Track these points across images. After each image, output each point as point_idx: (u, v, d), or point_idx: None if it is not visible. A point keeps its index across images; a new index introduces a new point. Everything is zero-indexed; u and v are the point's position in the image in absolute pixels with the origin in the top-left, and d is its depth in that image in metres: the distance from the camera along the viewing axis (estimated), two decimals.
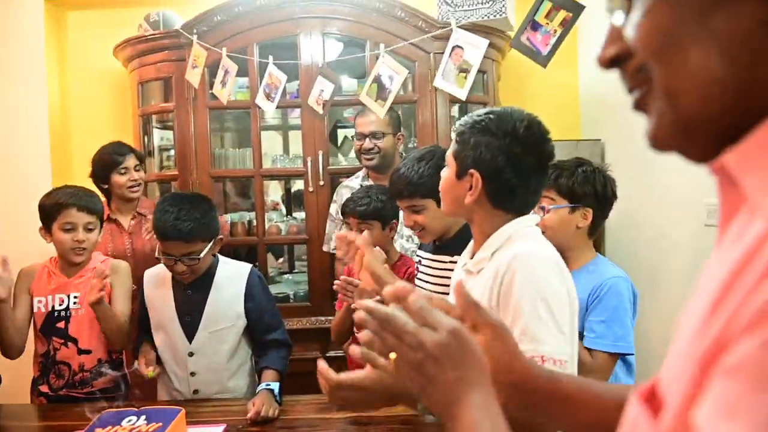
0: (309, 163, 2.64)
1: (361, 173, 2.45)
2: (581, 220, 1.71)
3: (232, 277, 1.87)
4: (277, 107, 2.63)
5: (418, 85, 2.60)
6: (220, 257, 1.92)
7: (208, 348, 1.81)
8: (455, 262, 1.62)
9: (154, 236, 2.43)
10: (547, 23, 1.39)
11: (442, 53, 2.56)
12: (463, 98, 1.61)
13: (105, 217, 2.36)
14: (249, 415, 1.59)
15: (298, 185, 3.87)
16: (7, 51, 3.01)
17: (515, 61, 2.96)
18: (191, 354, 1.81)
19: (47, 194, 1.92)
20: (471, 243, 1.27)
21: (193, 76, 2.48)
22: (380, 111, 1.84)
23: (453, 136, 1.21)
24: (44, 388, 1.88)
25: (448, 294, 1.64)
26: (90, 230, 1.89)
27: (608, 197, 1.73)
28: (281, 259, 3.50)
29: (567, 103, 3.26)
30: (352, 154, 3.35)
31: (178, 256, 1.72)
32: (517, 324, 1.02)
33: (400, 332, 0.64)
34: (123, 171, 2.40)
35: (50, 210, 1.86)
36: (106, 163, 2.42)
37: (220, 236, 1.85)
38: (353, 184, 2.45)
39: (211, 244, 1.77)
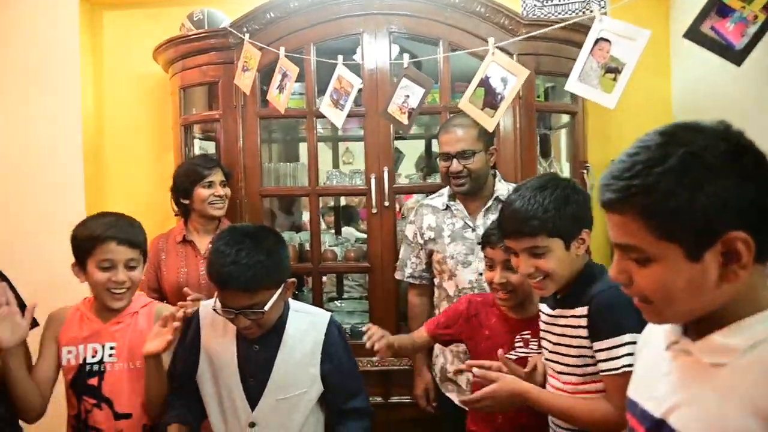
0: (373, 182, 2.29)
1: (445, 191, 2.09)
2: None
3: (306, 330, 1.52)
4: (316, 116, 2.31)
5: None
6: (291, 302, 1.56)
7: (274, 419, 1.47)
8: (578, 316, 1.29)
9: None
10: (743, 7, 1.02)
11: (528, 55, 2.24)
12: (612, 106, 1.26)
13: (181, 238, 2.14)
14: None
15: (343, 200, 3.56)
16: (39, 54, 2.75)
17: None
18: (252, 425, 1.46)
19: (81, 224, 1.58)
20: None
21: (244, 81, 2.16)
22: (489, 123, 1.48)
23: (617, 204, 0.79)
24: None
25: (570, 354, 1.32)
26: (132, 268, 1.56)
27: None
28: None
29: (659, 111, 2.87)
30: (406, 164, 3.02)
31: (238, 308, 1.38)
32: None
33: None
34: (208, 185, 2.13)
35: (85, 244, 1.53)
36: (191, 175, 2.14)
37: (292, 279, 1.50)
38: (436, 203, 2.10)
39: (280, 291, 1.42)
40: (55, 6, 2.76)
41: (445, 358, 2.08)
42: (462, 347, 2.00)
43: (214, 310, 1.42)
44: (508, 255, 1.59)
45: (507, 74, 1.47)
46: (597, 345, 1.26)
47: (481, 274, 1.95)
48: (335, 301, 2.98)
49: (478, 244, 1.97)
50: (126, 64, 2.97)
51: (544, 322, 1.43)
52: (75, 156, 2.76)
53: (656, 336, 0.93)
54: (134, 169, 2.97)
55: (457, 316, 1.77)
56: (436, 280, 2.12)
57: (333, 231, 3.27)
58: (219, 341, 1.51)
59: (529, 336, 1.69)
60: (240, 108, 2.36)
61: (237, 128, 2.37)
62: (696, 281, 0.74)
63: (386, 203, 2.30)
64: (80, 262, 1.56)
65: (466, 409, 2.01)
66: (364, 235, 3.17)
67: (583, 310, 1.29)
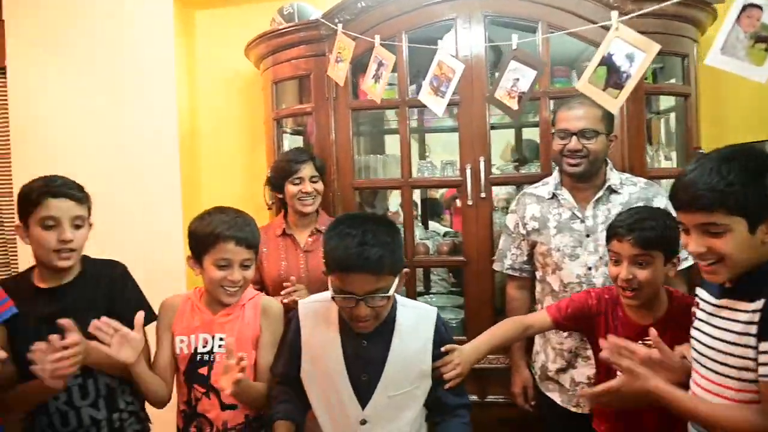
0: (468, 172, 2.21)
1: (552, 179, 1.97)
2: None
3: (416, 325, 1.47)
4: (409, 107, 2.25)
5: None
6: (397, 297, 1.49)
7: (386, 415, 1.42)
8: (752, 311, 1.12)
9: None
10: None
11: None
12: (764, 80, 1.11)
13: (281, 231, 2.15)
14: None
15: (428, 193, 3.49)
16: (136, 55, 2.84)
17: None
18: (364, 422, 1.41)
19: (200, 218, 1.60)
20: None
21: (338, 72, 2.14)
22: (612, 104, 1.35)
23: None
24: None
25: (731, 352, 1.16)
26: (246, 267, 1.58)
27: None
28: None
29: None
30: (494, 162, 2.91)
31: (362, 294, 1.32)
32: None
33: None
34: (297, 181, 2.10)
35: (204, 240, 1.55)
36: (281, 170, 2.14)
37: (406, 269, 1.45)
38: (541, 192, 1.98)
39: (398, 279, 1.38)
40: (151, 8, 2.84)
41: (546, 355, 1.98)
42: (566, 345, 1.89)
43: (333, 298, 1.36)
44: (637, 250, 1.48)
45: (634, 50, 1.34)
46: (763, 346, 1.10)
47: (590, 268, 1.83)
48: (424, 296, 2.93)
49: (587, 236, 1.86)
50: (218, 61, 3.04)
51: (703, 310, 1.27)
52: (171, 153, 2.84)
53: None
54: (227, 164, 3.04)
55: (585, 309, 1.66)
56: (539, 274, 2.01)
57: (421, 225, 3.21)
58: (322, 339, 1.47)
59: (651, 343, 1.57)
60: (332, 100, 2.34)
61: (329, 121, 2.35)
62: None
63: (482, 194, 2.21)
64: (196, 256, 1.58)
65: (570, 409, 1.91)
66: (450, 229, 3.12)
67: (758, 305, 1.12)
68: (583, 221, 1.87)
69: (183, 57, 2.95)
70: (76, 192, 1.51)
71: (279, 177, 2.15)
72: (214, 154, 3.08)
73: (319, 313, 1.49)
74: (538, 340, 2.06)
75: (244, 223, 1.58)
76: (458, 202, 3.33)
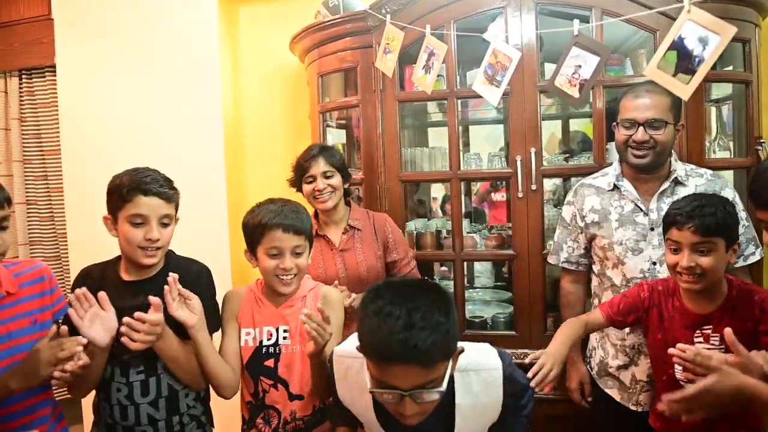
0: (518, 164, 2.17)
1: (612, 170, 1.91)
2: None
3: (480, 393, 1.23)
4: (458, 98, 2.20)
5: None
6: (462, 362, 1.19)
7: None
8: None
9: (366, 255, 2.09)
10: None
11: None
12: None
13: (314, 233, 2.04)
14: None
15: (474, 187, 3.45)
16: (182, 51, 2.87)
17: None
18: None
19: (250, 211, 1.60)
20: None
21: (386, 63, 2.11)
22: (684, 91, 1.29)
23: None
24: None
25: None
26: (298, 254, 1.56)
27: None
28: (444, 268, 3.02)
29: None
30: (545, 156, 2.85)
31: (408, 389, 1.05)
32: None
33: None
34: (310, 180, 2.05)
35: (254, 232, 1.55)
36: (295, 170, 2.11)
37: (461, 348, 1.15)
38: (600, 183, 1.91)
39: (451, 363, 1.11)
40: (196, 5, 2.86)
41: (605, 351, 1.92)
42: (628, 341, 1.84)
43: (371, 392, 1.10)
44: (699, 237, 1.43)
45: (707, 33, 1.28)
46: None
47: (654, 263, 1.77)
48: (469, 290, 2.89)
49: (651, 230, 1.80)
50: (262, 56, 3.05)
51: None
52: (217, 148, 2.86)
53: None
54: (271, 159, 3.04)
55: (639, 304, 1.62)
56: (596, 268, 1.95)
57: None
58: (357, 406, 1.31)
59: (710, 331, 1.52)
60: (379, 92, 2.32)
61: (376, 113, 2.33)
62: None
63: (533, 186, 2.17)
64: (251, 249, 1.58)
65: (629, 407, 1.86)
66: (495, 223, 3.07)
67: None
68: (647, 214, 1.80)
69: (227, 52, 2.97)
70: (166, 189, 1.52)
71: (296, 178, 2.11)
72: (258, 149, 3.10)
73: (350, 372, 1.29)
74: (594, 335, 2.00)
75: (291, 211, 1.57)
76: (494, 196, 3.30)
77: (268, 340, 1.57)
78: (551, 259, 2.06)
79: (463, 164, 2.46)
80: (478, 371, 1.23)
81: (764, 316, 1.46)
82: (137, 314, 1.39)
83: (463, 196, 3.20)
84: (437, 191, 3.45)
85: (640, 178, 1.83)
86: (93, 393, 1.57)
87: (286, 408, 1.56)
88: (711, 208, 1.43)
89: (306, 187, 2.07)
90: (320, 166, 2.04)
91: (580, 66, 1.55)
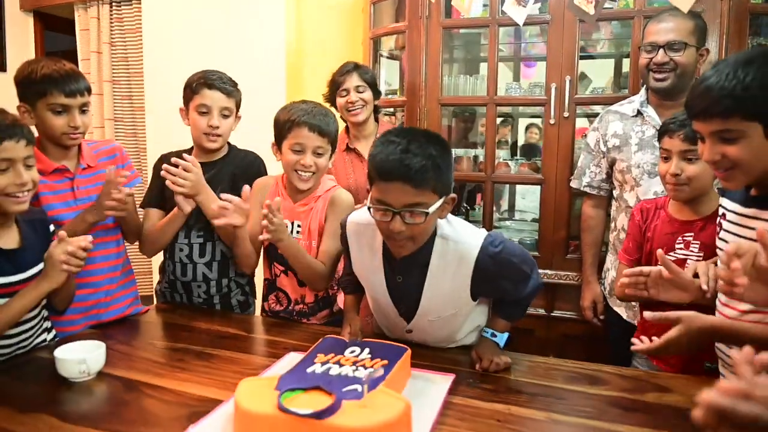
0: (553, 91, 2.25)
1: (638, 98, 1.96)
2: None
3: (452, 262, 1.36)
4: (523, 24, 2.25)
5: None
6: (440, 225, 1.37)
7: (430, 328, 1.48)
8: None
9: None
10: None
11: None
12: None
13: (345, 146, 2.27)
14: (477, 366, 1.37)
15: (520, 127, 3.52)
16: None
17: None
18: (410, 332, 1.51)
19: (283, 107, 1.76)
20: None
21: None
22: (684, 3, 1.36)
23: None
24: (267, 307, 1.86)
25: None
26: (319, 155, 1.69)
27: None
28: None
29: None
30: (593, 86, 2.87)
31: (398, 207, 1.24)
32: None
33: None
34: (344, 93, 2.25)
35: (282, 126, 1.70)
36: (329, 85, 2.32)
37: (453, 195, 1.34)
38: (625, 110, 1.98)
39: (442, 201, 1.28)
40: None
41: (617, 271, 2.03)
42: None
43: (368, 209, 1.29)
44: (687, 145, 1.50)
45: None
46: None
47: None
48: (507, 221, 3.02)
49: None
50: None
51: (728, 221, 1.28)
52: (278, 76, 3.08)
53: None
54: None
55: (638, 230, 1.70)
56: (616, 192, 2.04)
57: (509, 151, 3.27)
58: (368, 265, 1.47)
59: (691, 238, 1.57)
60: (425, 19, 2.44)
61: (421, 40, 2.46)
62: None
63: (566, 114, 2.25)
64: (278, 143, 1.74)
65: (635, 324, 1.96)
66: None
67: None
68: None
69: None
70: (227, 86, 1.78)
71: (330, 92, 2.31)
72: (317, 73, 3.28)
73: (364, 236, 1.45)
74: (609, 257, 2.11)
75: (320, 113, 1.69)
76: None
77: None
78: (573, 183, 2.16)
79: (507, 92, 2.54)
80: (456, 242, 1.36)
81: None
82: (180, 162, 1.67)
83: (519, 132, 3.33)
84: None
85: (664, 105, 1.88)
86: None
87: (295, 293, 1.79)
88: None
89: (339, 101, 2.26)
90: (353, 80, 2.23)
91: None
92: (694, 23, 1.76)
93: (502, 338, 1.45)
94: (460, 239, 1.36)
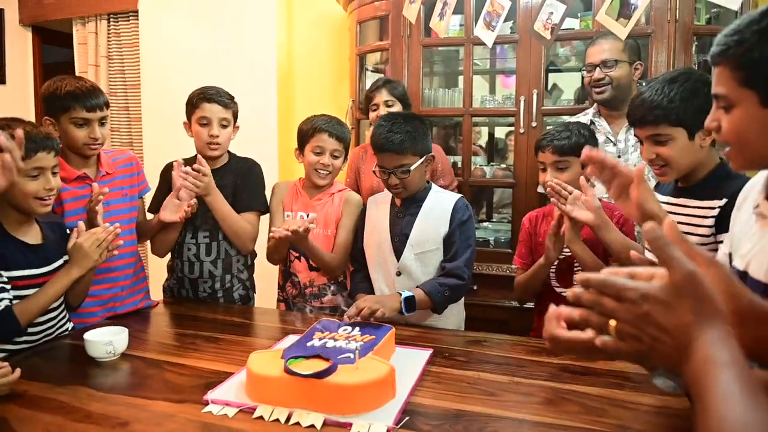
0: (522, 103, 2.49)
1: (591, 110, 2.24)
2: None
3: (440, 202, 1.87)
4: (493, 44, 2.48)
5: (655, 15, 2.27)
6: (434, 187, 1.93)
7: (414, 268, 1.83)
8: (705, 208, 1.40)
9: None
10: None
11: None
12: (735, 7, 1.33)
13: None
14: (349, 311, 1.62)
15: (500, 133, 3.76)
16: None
17: None
18: (399, 273, 1.85)
19: (306, 119, 2.08)
20: (761, 179, 1.03)
21: (411, 11, 2.47)
22: (621, 31, 1.62)
23: (717, 57, 0.90)
24: (282, 296, 2.10)
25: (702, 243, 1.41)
26: (335, 157, 2.02)
27: None
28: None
29: None
30: (563, 98, 3.13)
31: (390, 168, 1.78)
32: None
33: (620, 291, 0.65)
34: (374, 108, 2.40)
35: (305, 133, 2.02)
36: (364, 100, 2.51)
37: (432, 154, 1.86)
38: (580, 120, 2.23)
39: (422, 160, 1.80)
40: None
41: (516, 275, 2.24)
42: None
43: (373, 171, 1.87)
44: (556, 157, 1.77)
45: None
46: (720, 237, 1.34)
47: None
48: (486, 222, 3.25)
49: (618, 158, 2.10)
50: (312, 4, 3.43)
51: None
52: (270, 82, 3.30)
53: (750, 199, 1.08)
54: (317, 95, 3.47)
55: (528, 236, 1.96)
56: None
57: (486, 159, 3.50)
58: (378, 214, 1.95)
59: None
60: (406, 38, 2.68)
61: (403, 55, 2.69)
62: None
63: (533, 124, 2.49)
64: (300, 147, 2.05)
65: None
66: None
67: (719, 203, 1.37)
68: (615, 144, 2.12)
69: (283, 1, 3.37)
70: (224, 99, 2.01)
71: (365, 105, 2.53)
72: (306, 86, 3.52)
73: (379, 198, 2.01)
74: None
75: (337, 122, 2.05)
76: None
77: None
78: (540, 189, 2.40)
79: (482, 103, 2.78)
80: (443, 195, 1.90)
81: (626, 224, 1.78)
82: (192, 167, 1.87)
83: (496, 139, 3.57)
84: (476, 136, 3.78)
85: (612, 115, 2.15)
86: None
87: (307, 276, 2.04)
88: (566, 133, 1.77)
89: (371, 114, 2.44)
90: (383, 95, 2.42)
91: (552, 12, 1.87)
92: (624, 43, 2.04)
93: (407, 294, 1.71)
94: (446, 194, 1.92)
